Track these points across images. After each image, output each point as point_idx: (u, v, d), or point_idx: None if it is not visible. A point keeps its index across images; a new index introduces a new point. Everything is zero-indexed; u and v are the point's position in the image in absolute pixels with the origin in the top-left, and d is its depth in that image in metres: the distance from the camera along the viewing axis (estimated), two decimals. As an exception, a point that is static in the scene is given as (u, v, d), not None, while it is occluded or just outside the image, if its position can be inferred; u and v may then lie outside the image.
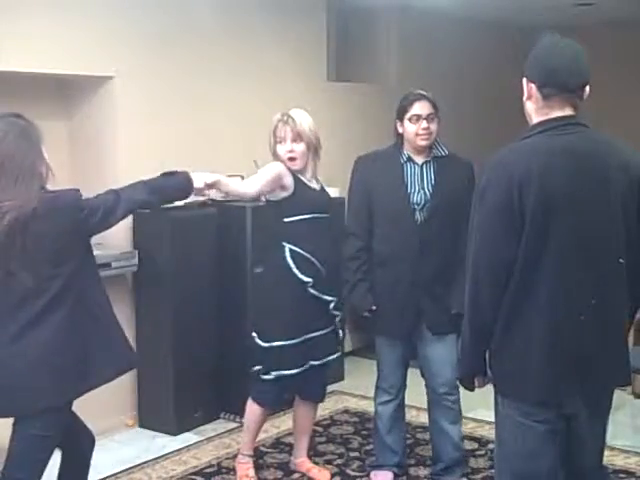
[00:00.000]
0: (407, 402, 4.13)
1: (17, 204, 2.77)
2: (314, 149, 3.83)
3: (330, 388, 5.26)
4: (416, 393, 4.11)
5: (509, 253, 2.43)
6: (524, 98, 2.58)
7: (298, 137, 3.77)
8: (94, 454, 4.30)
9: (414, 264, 3.71)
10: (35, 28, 4.10)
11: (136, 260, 4.56)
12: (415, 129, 3.72)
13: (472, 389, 2.70)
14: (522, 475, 2.59)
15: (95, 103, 4.60)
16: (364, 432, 4.73)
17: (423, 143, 3.74)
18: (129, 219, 4.31)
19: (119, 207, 3.00)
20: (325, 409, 5.00)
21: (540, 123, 2.53)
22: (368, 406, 5.08)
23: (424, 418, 4.70)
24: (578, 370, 2.51)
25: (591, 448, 2.69)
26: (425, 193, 3.74)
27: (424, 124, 3.71)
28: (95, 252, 4.17)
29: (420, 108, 3.73)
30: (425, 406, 4.13)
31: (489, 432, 4.60)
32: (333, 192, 5.08)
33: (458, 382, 2.77)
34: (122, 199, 3.01)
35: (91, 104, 4.61)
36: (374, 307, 3.79)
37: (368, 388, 5.30)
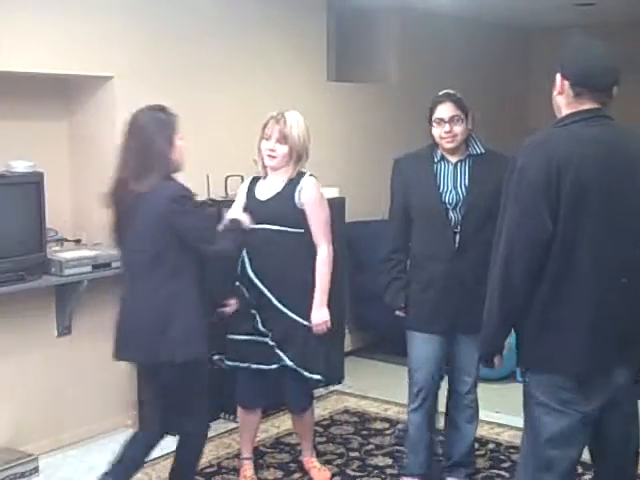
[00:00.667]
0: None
1: (143, 189, 3.16)
2: (297, 155, 3.80)
3: (330, 388, 5.26)
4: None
5: (547, 232, 2.52)
6: (555, 92, 2.69)
7: (283, 139, 3.77)
8: (94, 454, 4.33)
9: (450, 264, 3.69)
10: (35, 28, 4.09)
11: (136, 260, 4.56)
12: (439, 132, 3.70)
13: (492, 367, 2.80)
14: (552, 461, 2.63)
15: (95, 103, 4.59)
16: (364, 432, 4.72)
17: (448, 146, 3.72)
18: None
19: (218, 239, 3.40)
20: (325, 409, 4.99)
21: (571, 114, 2.64)
22: (368, 406, 5.08)
23: (424, 418, 4.70)
24: (617, 344, 2.60)
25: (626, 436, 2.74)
26: (457, 192, 3.71)
27: (447, 127, 3.67)
28: (95, 252, 4.22)
29: (443, 111, 3.69)
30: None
31: (489, 432, 4.59)
32: (333, 192, 5.08)
33: (477, 360, 2.83)
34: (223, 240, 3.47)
35: (91, 104, 4.60)
36: (403, 305, 3.80)
37: (368, 388, 5.32)
